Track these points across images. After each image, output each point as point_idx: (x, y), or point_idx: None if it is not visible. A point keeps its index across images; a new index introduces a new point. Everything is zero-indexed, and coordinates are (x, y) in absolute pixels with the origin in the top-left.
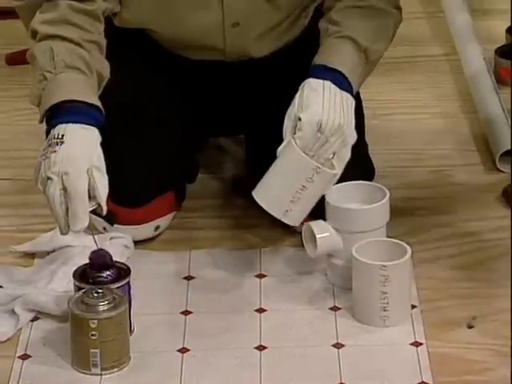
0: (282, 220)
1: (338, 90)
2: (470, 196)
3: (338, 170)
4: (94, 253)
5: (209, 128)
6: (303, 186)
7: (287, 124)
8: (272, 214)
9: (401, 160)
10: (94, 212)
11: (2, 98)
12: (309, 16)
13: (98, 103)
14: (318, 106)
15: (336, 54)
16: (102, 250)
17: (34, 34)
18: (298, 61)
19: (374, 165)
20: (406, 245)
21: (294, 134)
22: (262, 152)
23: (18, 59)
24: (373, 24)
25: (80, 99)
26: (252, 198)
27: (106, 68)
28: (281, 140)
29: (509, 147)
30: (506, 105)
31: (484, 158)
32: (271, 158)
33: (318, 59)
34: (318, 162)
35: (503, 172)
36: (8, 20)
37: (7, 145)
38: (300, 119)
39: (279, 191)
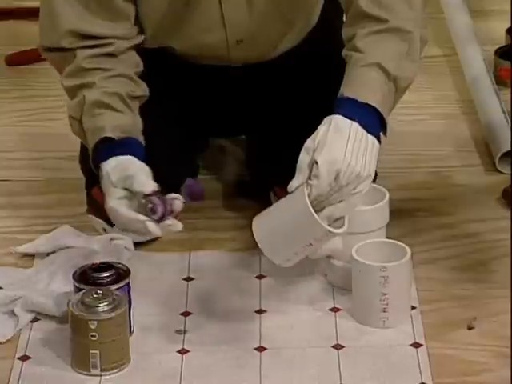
0: (280, 265)
1: (364, 133)
2: (470, 197)
3: (346, 226)
4: (189, 185)
5: (209, 129)
6: (310, 244)
7: (303, 158)
8: (272, 261)
9: (400, 161)
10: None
11: (2, 99)
12: (316, 17)
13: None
14: (340, 152)
15: (365, 84)
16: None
17: (64, 89)
18: (302, 62)
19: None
20: (405, 246)
21: (309, 178)
22: (263, 153)
23: (17, 60)
24: (400, 49)
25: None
26: (251, 199)
27: (138, 89)
28: (281, 141)
29: (509, 148)
30: (506, 106)
31: (484, 159)
32: (272, 159)
33: (347, 90)
34: (327, 208)
35: (503, 173)
36: (8, 21)
37: (7, 146)
38: (317, 163)
39: (285, 245)
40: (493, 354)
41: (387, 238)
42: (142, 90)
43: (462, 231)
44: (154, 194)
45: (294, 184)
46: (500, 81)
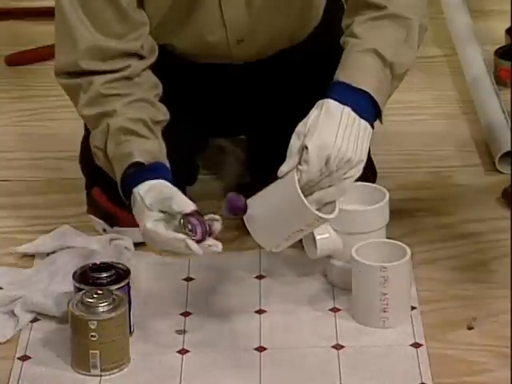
0: (270, 250)
1: (357, 118)
2: (470, 197)
3: (336, 211)
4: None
5: (210, 129)
6: (301, 229)
7: (294, 143)
8: (262, 246)
9: (400, 161)
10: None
11: (2, 99)
12: (319, 14)
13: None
14: (330, 137)
15: (360, 69)
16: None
17: (84, 118)
18: (304, 60)
19: (376, 167)
20: (405, 246)
21: (299, 163)
22: (264, 153)
23: (17, 60)
24: (397, 35)
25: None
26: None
27: (159, 114)
28: (282, 141)
29: (509, 148)
30: (506, 106)
31: (484, 159)
32: (273, 159)
33: (341, 75)
34: (317, 192)
35: (503, 173)
36: (8, 21)
37: (7, 146)
38: (307, 148)
39: (275, 231)
40: (493, 354)
41: (387, 238)
42: (163, 113)
43: (462, 231)
44: (193, 214)
45: (283, 169)
46: (500, 81)
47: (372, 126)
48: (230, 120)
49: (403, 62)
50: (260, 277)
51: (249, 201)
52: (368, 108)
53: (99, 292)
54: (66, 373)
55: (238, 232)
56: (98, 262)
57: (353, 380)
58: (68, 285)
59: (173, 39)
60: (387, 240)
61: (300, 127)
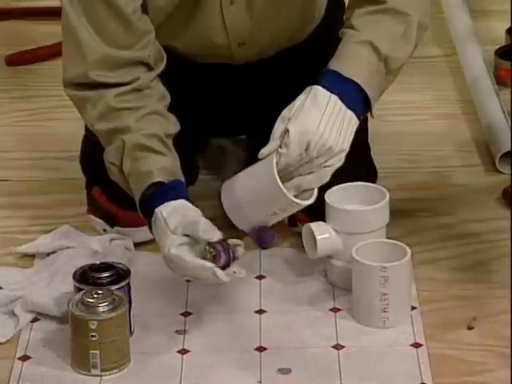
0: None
1: (343, 108)
2: (470, 197)
3: (313, 198)
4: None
5: (210, 129)
6: (274, 213)
7: (278, 127)
8: (237, 226)
9: (400, 161)
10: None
11: (2, 99)
12: (321, 14)
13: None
14: (313, 123)
15: (352, 60)
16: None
17: (96, 132)
18: (305, 59)
19: (376, 167)
20: (405, 246)
21: (280, 147)
22: None
23: (17, 60)
24: (395, 30)
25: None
26: None
27: (171, 126)
28: None
29: (509, 148)
30: (506, 106)
31: (484, 159)
32: None
33: (334, 63)
34: (296, 178)
35: (503, 173)
36: (8, 21)
37: (7, 146)
38: (288, 131)
39: (250, 212)
40: (493, 354)
41: (387, 238)
42: (174, 124)
43: (462, 231)
44: (218, 241)
45: (264, 151)
46: (500, 81)
47: (359, 118)
48: (231, 120)
49: (399, 56)
50: (260, 277)
51: (228, 181)
52: (357, 99)
53: (99, 292)
54: (66, 373)
55: (238, 232)
56: (98, 262)
57: (353, 380)
58: (68, 285)
59: (174, 41)
60: (387, 240)
61: (285, 112)
